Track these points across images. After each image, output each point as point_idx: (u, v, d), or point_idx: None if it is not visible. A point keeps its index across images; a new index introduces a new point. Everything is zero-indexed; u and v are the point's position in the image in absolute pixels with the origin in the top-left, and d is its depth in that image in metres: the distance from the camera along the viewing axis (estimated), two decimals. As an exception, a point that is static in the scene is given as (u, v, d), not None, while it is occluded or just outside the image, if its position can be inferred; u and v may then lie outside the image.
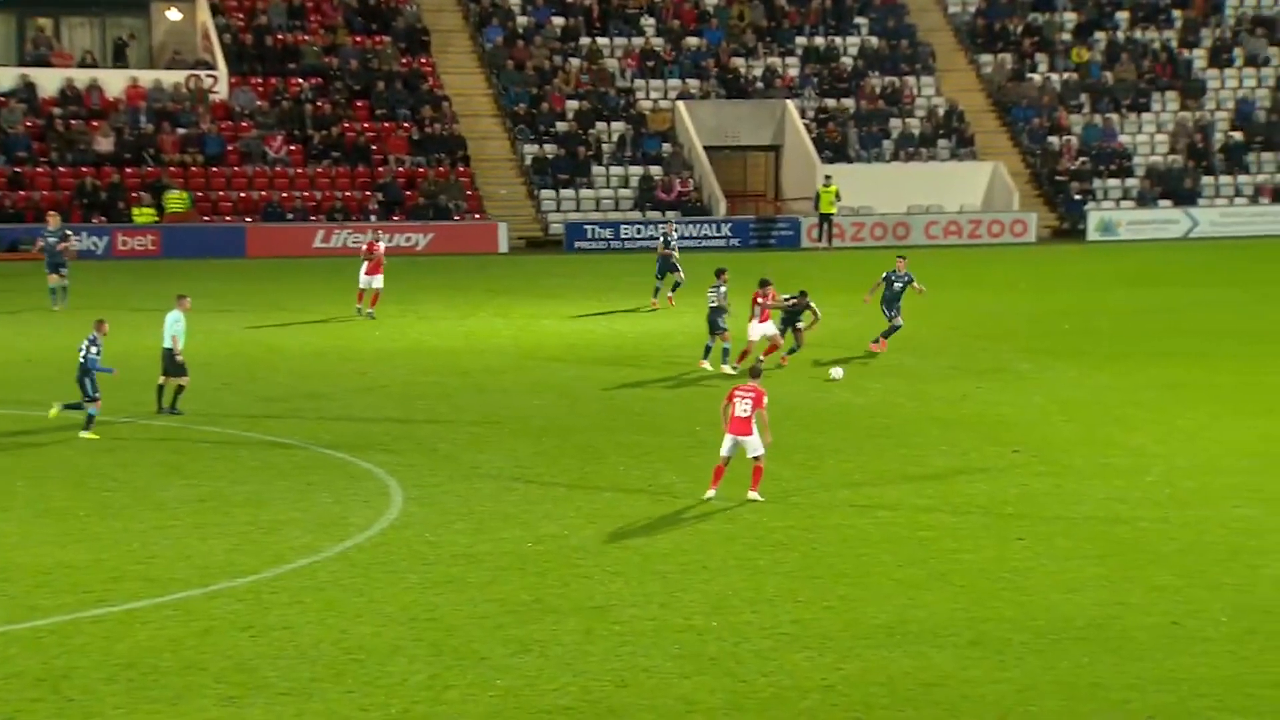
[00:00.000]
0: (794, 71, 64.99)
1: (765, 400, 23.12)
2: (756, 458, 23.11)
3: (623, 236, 58.47)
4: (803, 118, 62.60)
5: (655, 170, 61.02)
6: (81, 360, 27.24)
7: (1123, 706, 16.15)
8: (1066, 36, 67.43)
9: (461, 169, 60.05)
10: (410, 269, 49.26)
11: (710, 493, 23.35)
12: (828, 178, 59.03)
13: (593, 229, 58.35)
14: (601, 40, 65.28)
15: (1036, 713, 16.06)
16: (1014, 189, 61.34)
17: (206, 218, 57.38)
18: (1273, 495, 23.88)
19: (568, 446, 27.29)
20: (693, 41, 65.67)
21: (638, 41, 65.37)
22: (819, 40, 66.20)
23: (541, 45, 64.50)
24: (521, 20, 65.08)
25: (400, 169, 59.51)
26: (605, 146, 61.71)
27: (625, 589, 19.67)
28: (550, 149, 61.16)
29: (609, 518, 22.82)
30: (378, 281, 40.23)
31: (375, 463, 25.82)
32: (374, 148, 60.09)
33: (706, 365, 33.54)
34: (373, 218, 57.47)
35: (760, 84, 64.03)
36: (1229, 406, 30.10)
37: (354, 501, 23.62)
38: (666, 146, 61.83)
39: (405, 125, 60.81)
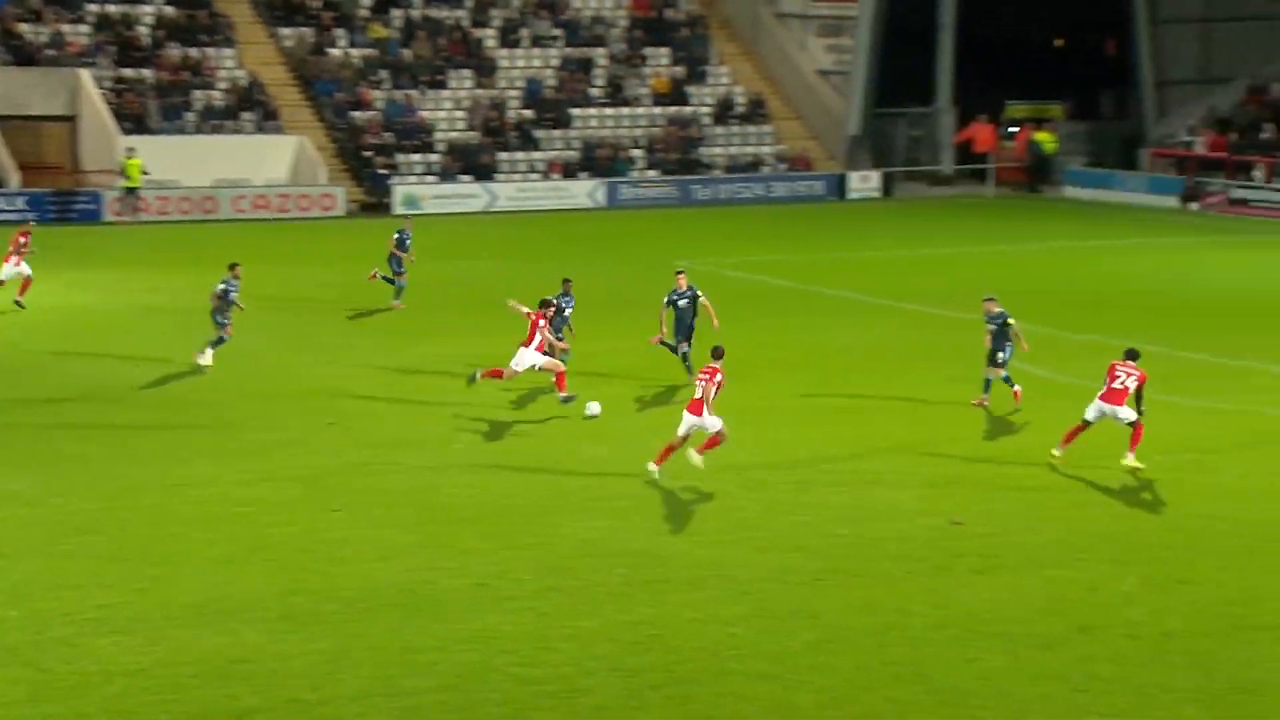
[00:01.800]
0: (85, 39, 62.74)
1: (718, 378, 23.26)
2: (716, 432, 23.27)
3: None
4: (99, 87, 60.54)
5: (-61, 140, 57.52)
6: None
7: (432, 668, 16.67)
8: (364, 12, 68.26)
9: None
10: None
11: (654, 467, 23.36)
12: (131, 150, 57.38)
13: None
14: None
15: (348, 680, 16.34)
16: (321, 163, 61.61)
17: None
18: (574, 456, 25.13)
19: None
20: (-26, 5, 62.28)
21: (-90, 3, 61.41)
22: (111, 8, 64.18)
23: None
24: None
25: None
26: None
27: (-83, 585, 18.62)
28: None
29: (-104, 510, 21.49)
30: (27, 269, 37.05)
31: None
32: None
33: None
34: None
35: (50, 51, 61.44)
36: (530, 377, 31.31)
37: None
38: (-51, 115, 58.40)
39: None
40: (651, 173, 65.88)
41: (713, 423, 23.28)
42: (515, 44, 69.18)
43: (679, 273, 30.35)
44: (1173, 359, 31.72)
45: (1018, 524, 21.71)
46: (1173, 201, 62.21)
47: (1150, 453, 24.34)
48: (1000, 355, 27.56)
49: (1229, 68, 68.13)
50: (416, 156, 63.81)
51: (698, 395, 23.29)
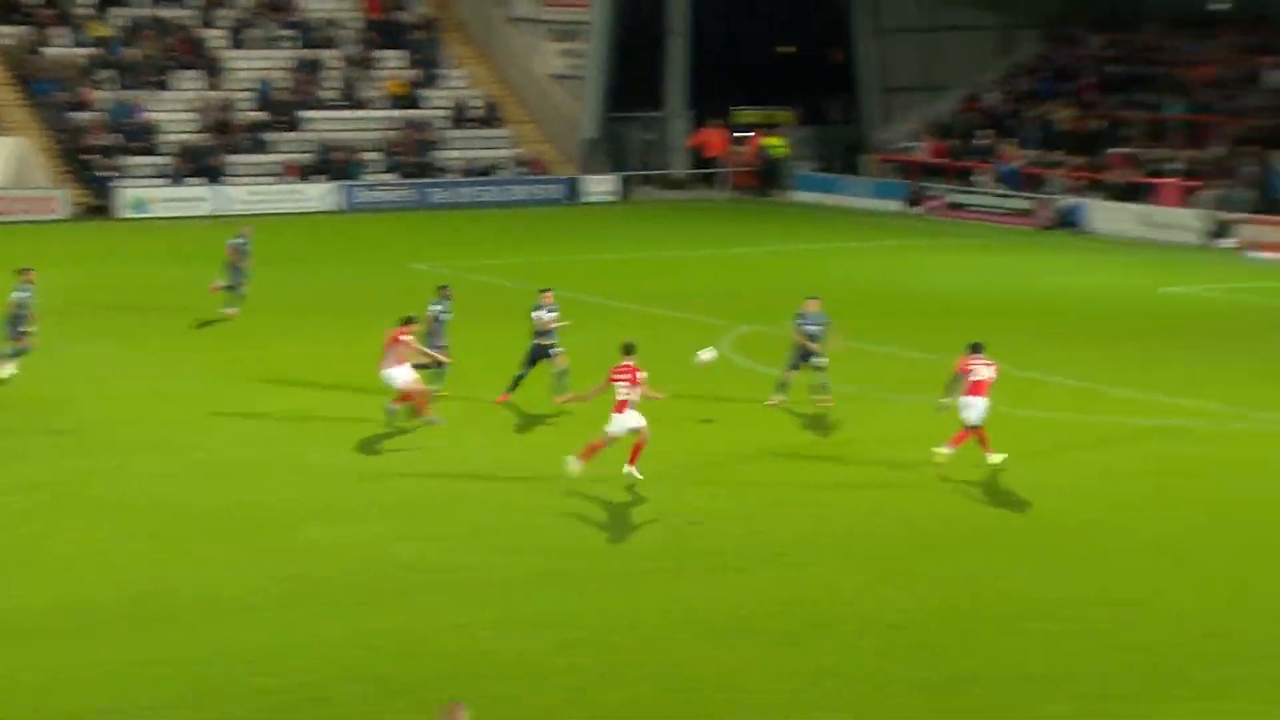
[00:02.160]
0: None
1: (641, 376, 23.02)
2: (634, 430, 23.07)
3: None
4: None
5: None
6: None
7: (167, 683, 16.33)
8: (84, 11, 66.41)
9: None
10: None
11: (575, 462, 22.98)
12: None
13: None
14: None
15: (76, 698, 15.93)
16: (42, 165, 59.76)
17: None
18: (310, 463, 24.81)
19: None
20: None
21: None
22: None
23: None
24: None
25: None
26: None
27: None
28: None
29: None
30: None
31: None
32: None
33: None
34: None
35: None
36: (270, 381, 30.80)
37: None
38: None
39: None
40: (388, 176, 65.35)
41: (636, 421, 23.13)
42: (244, 44, 68.02)
43: (544, 291, 29.49)
44: (906, 360, 32.62)
45: (755, 523, 22.10)
46: (897, 205, 63.92)
47: (884, 451, 25.00)
48: (819, 360, 27.93)
49: (949, 76, 70.29)
50: (143, 159, 62.28)
51: (620, 396, 23.17)
